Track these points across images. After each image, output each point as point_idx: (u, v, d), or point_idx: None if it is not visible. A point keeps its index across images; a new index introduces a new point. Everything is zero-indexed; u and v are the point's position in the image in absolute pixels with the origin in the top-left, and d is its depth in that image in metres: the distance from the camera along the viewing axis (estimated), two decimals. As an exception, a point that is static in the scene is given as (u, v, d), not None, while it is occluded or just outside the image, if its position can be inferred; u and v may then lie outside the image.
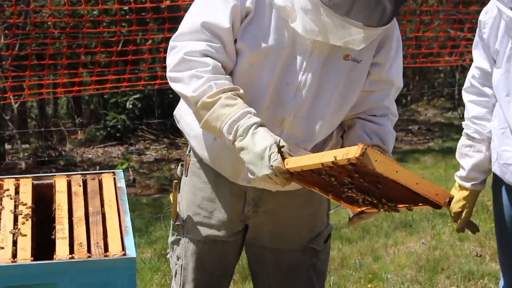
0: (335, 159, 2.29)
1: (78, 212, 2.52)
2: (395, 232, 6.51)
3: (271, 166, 2.41)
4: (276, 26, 2.62)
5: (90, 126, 10.84)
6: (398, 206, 2.42)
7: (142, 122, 10.33)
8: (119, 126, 10.32)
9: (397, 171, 2.24)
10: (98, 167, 9.23)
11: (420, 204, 2.37)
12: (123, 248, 2.29)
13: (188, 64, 2.57)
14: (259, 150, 2.43)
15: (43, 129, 9.77)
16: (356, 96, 2.78)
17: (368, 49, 2.68)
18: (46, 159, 9.41)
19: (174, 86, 2.62)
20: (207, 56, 2.58)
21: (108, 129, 10.48)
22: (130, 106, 10.27)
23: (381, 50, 2.75)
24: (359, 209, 2.50)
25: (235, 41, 2.64)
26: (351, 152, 2.26)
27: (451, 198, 2.32)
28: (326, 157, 2.35)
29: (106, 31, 8.49)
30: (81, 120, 11.06)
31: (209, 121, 2.52)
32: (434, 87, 12.36)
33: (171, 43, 2.66)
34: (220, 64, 2.59)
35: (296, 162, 2.42)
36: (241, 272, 5.32)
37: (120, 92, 9.95)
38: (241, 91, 2.55)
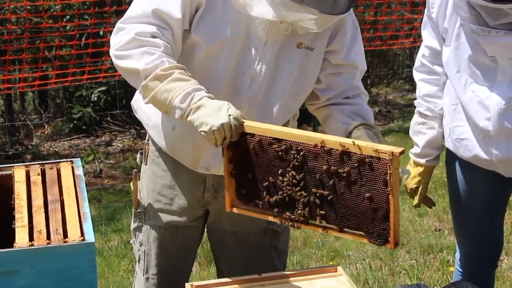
0: (359, 147, 2.33)
1: (37, 201, 2.54)
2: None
3: (230, 115, 2.41)
4: (230, 18, 2.65)
5: (56, 120, 10.78)
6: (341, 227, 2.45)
7: (106, 113, 10.30)
8: (85, 119, 10.28)
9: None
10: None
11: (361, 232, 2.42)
12: (82, 234, 2.31)
13: (139, 42, 2.55)
14: (217, 104, 2.44)
15: (6, 123, 9.71)
16: (313, 83, 2.83)
17: (321, 37, 2.73)
18: (11, 153, 9.36)
19: (122, 62, 2.58)
20: (157, 38, 2.58)
21: (75, 122, 10.44)
22: (95, 99, 10.23)
23: (336, 38, 2.78)
24: (271, 218, 2.56)
25: (189, 33, 2.66)
26: (384, 148, 2.32)
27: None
28: (336, 139, 2.39)
29: (67, 25, 8.46)
30: (48, 115, 10.99)
31: (158, 94, 2.47)
32: (394, 70, 12.42)
33: (118, 24, 2.65)
34: (170, 47, 2.59)
35: (259, 125, 2.48)
36: (206, 256, 5.37)
37: (85, 86, 9.91)
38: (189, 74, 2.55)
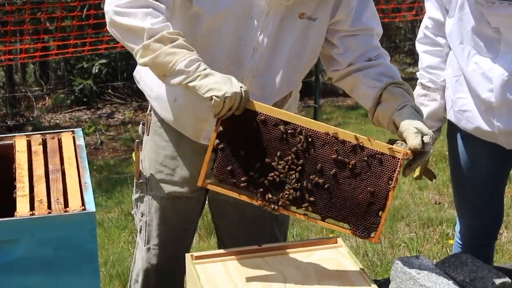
0: (372, 143, 2.40)
1: (38, 171, 2.53)
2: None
3: (241, 87, 2.40)
4: None
5: (57, 92, 10.77)
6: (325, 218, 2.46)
7: (107, 85, 10.29)
8: (86, 91, 10.27)
9: None
10: (67, 132, 9.17)
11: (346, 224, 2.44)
12: (83, 204, 2.30)
13: (143, 2, 2.50)
14: (226, 76, 2.42)
15: (7, 95, 9.70)
16: (316, 54, 2.81)
17: (323, 7, 2.70)
18: (12, 125, 9.36)
19: (122, 19, 2.51)
20: (159, 1, 2.54)
21: (76, 94, 10.43)
22: (96, 71, 10.22)
23: (340, 7, 2.74)
24: (257, 202, 2.50)
25: (190, 3, 2.63)
26: (399, 148, 2.41)
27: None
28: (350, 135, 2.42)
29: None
30: (49, 87, 10.98)
31: (162, 55, 2.42)
32: (395, 43, 12.38)
33: None
34: (169, 15, 2.58)
35: (267, 106, 2.46)
36: (207, 228, 5.38)
37: (86, 58, 9.89)
38: None
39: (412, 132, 2.45)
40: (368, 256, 4.95)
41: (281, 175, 2.41)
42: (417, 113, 2.55)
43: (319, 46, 2.80)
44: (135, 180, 3.09)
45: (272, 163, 2.42)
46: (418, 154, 2.46)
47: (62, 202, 2.33)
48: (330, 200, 2.41)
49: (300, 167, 2.41)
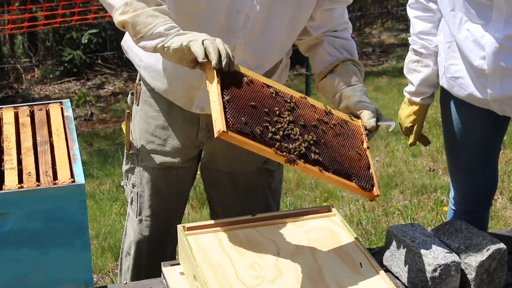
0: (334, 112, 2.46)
1: (26, 143, 2.50)
2: (350, 152, 6.56)
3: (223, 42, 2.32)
4: None
5: (46, 63, 10.71)
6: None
7: (97, 56, 10.23)
8: (75, 61, 10.20)
9: None
10: (56, 103, 9.14)
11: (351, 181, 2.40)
12: (72, 175, 2.28)
13: None
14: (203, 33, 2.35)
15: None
16: (305, 21, 2.78)
17: None
18: (0, 97, 9.31)
19: None
20: None
21: (65, 65, 10.36)
22: (86, 41, 10.15)
23: None
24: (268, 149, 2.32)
25: None
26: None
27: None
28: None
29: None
30: (38, 58, 10.92)
31: (143, 15, 2.36)
32: (388, 9, 12.33)
33: None
34: None
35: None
36: (199, 198, 5.37)
37: (75, 27, 9.82)
38: None
39: (369, 111, 2.55)
40: (362, 225, 4.95)
41: (287, 129, 2.34)
42: (367, 96, 2.66)
43: (309, 14, 2.78)
44: (125, 151, 3.06)
45: (274, 118, 2.35)
46: (370, 131, 2.55)
47: (51, 175, 2.31)
48: (331, 154, 2.37)
49: (297, 123, 2.38)
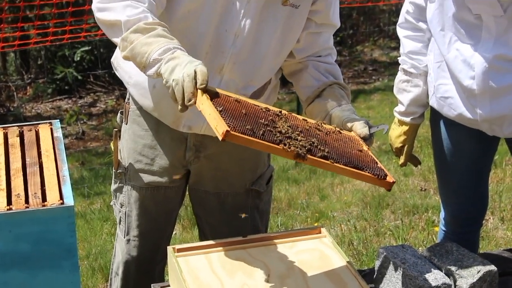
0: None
1: (15, 164, 2.50)
2: (341, 172, 6.55)
3: (196, 67, 2.26)
4: None
5: (38, 81, 10.70)
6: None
7: (89, 73, 10.23)
8: (67, 79, 10.20)
9: None
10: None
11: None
12: (61, 197, 2.28)
13: None
14: (187, 59, 2.31)
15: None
16: (295, 41, 2.79)
17: None
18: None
19: (103, 15, 2.48)
20: None
21: (57, 82, 10.36)
22: (78, 58, 10.15)
23: None
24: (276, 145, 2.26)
25: None
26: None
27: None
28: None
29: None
30: (30, 76, 10.91)
31: (138, 46, 2.36)
32: (379, 27, 12.37)
33: None
34: (154, 4, 2.52)
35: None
36: (190, 218, 5.36)
37: (67, 45, 9.82)
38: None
39: (360, 122, 2.55)
40: (353, 245, 4.94)
41: (288, 132, 2.30)
42: (356, 114, 2.66)
43: (299, 33, 2.78)
44: (113, 170, 3.05)
45: (271, 124, 2.31)
46: (364, 139, 2.53)
47: (40, 196, 2.31)
48: (337, 152, 2.33)
49: (295, 129, 2.34)
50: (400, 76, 3.29)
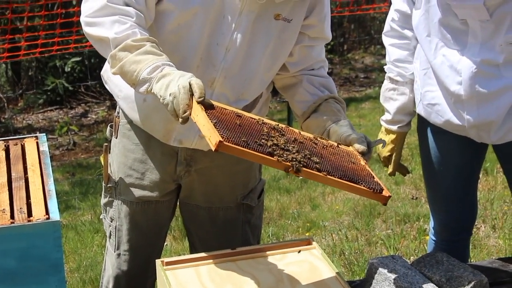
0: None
1: (1, 179, 2.48)
2: (332, 180, 6.54)
3: (190, 80, 2.29)
4: None
5: (28, 92, 10.68)
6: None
7: (80, 84, 10.22)
8: (58, 90, 10.18)
9: None
10: (38, 133, 9.12)
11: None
12: (47, 212, 2.26)
13: (110, 10, 2.47)
14: (179, 73, 2.33)
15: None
16: (287, 55, 2.78)
17: (299, 8, 2.68)
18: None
19: (91, 30, 2.49)
20: (129, 6, 2.49)
21: (48, 93, 10.34)
22: (69, 69, 10.13)
23: (314, 11, 2.73)
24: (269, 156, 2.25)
25: (162, 0, 2.57)
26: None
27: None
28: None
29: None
30: (21, 87, 10.90)
31: (127, 64, 2.38)
32: (370, 35, 12.39)
33: None
34: (143, 16, 2.52)
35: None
36: (181, 230, 5.34)
37: (58, 56, 9.80)
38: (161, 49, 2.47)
39: (358, 137, 2.54)
40: (345, 255, 4.93)
41: (282, 144, 2.29)
42: (353, 129, 2.66)
43: (291, 48, 2.77)
44: (103, 184, 3.03)
45: (266, 137, 2.31)
46: (362, 154, 2.52)
47: (26, 211, 2.29)
48: (332, 165, 2.33)
49: (290, 142, 2.34)
50: (386, 84, 3.30)
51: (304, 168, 2.24)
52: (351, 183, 2.30)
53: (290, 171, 2.23)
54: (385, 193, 2.33)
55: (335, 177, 2.28)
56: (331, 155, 2.39)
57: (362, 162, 2.44)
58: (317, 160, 2.29)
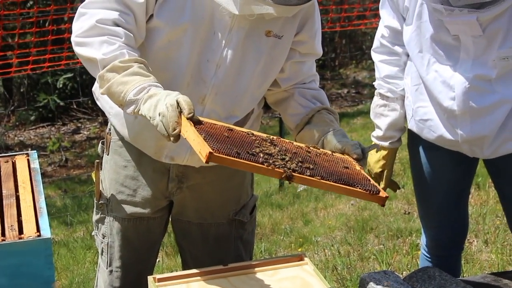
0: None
1: (-8, 196, 2.49)
2: (324, 196, 6.56)
3: (177, 98, 2.30)
4: (193, 2, 2.58)
5: (20, 109, 10.67)
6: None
7: (71, 101, 10.21)
8: (50, 106, 10.17)
9: None
10: (30, 149, 9.12)
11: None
12: (38, 229, 2.26)
13: (99, 31, 2.48)
14: (165, 93, 2.34)
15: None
16: (278, 71, 2.79)
17: (290, 25, 2.69)
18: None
19: (81, 50, 2.51)
20: (119, 26, 2.51)
21: (40, 110, 10.32)
22: (60, 85, 10.13)
23: (305, 27, 2.74)
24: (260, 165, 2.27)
25: (152, 17, 2.58)
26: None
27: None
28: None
29: (29, 12, 8.35)
30: (13, 103, 10.88)
31: (114, 85, 2.38)
32: (362, 50, 12.42)
33: (80, 9, 2.56)
34: (132, 36, 2.53)
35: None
36: (173, 245, 5.32)
37: (50, 73, 9.80)
38: (150, 69, 2.47)
39: (352, 144, 2.57)
40: (337, 270, 4.92)
41: (274, 153, 2.31)
42: (347, 137, 2.67)
43: (282, 64, 2.78)
44: (95, 201, 3.02)
45: (255, 147, 2.32)
46: (357, 160, 2.54)
47: (17, 229, 2.28)
48: (326, 170, 2.34)
49: (283, 151, 2.35)
50: (376, 100, 3.29)
51: (297, 174, 2.26)
52: (347, 186, 2.32)
53: (283, 177, 2.24)
54: (382, 194, 2.34)
55: (330, 181, 2.30)
56: (325, 161, 2.41)
57: (357, 167, 2.46)
58: (311, 167, 2.31)
